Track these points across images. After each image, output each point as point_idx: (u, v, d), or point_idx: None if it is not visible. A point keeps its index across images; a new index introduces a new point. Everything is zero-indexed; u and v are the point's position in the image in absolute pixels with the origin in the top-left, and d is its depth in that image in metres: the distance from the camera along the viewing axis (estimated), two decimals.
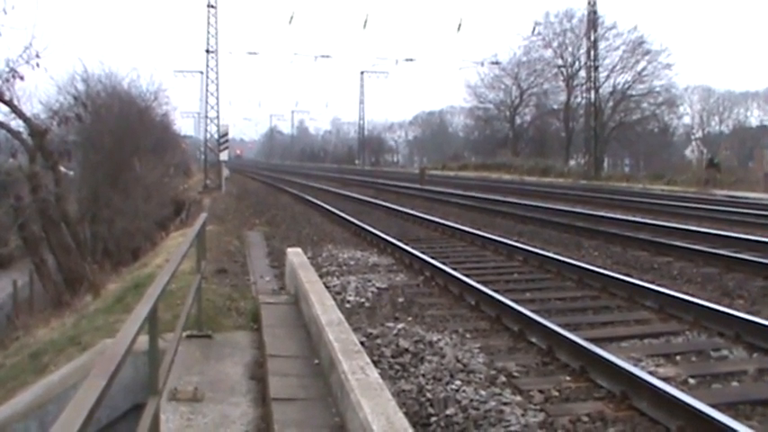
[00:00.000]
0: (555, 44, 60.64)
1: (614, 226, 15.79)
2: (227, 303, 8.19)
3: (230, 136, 44.73)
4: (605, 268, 10.29)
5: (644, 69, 55.28)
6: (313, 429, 4.29)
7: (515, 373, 5.97)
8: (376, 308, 8.61)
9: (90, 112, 27.98)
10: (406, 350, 6.58)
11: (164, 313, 5.96)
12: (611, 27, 54.77)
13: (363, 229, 15.79)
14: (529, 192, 31.09)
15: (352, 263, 11.96)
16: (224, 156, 39.74)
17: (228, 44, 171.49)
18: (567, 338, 6.28)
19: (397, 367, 6.16)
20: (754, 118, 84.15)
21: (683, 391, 5.03)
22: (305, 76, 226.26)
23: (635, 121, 57.21)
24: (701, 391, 5.40)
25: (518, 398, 5.36)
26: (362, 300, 9.06)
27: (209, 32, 44.67)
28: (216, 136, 43.20)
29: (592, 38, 47.27)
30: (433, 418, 5.03)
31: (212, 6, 44.44)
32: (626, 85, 56.04)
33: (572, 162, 58.20)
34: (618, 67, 55.56)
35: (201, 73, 53.18)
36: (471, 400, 5.26)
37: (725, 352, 6.48)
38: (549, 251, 12.09)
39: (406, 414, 3.95)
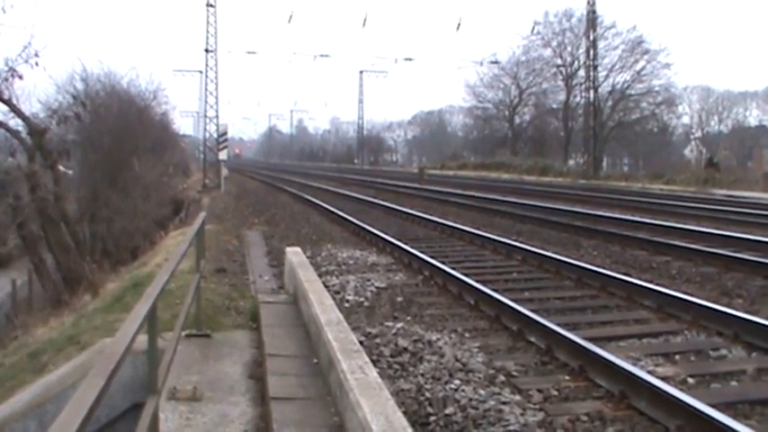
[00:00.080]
0: (554, 43, 60.72)
1: (613, 225, 15.80)
2: (226, 303, 8.19)
3: (229, 135, 44.77)
4: (604, 267, 10.29)
5: (643, 69, 55.31)
6: (312, 429, 4.29)
7: (514, 373, 5.97)
8: (375, 307, 8.61)
9: (89, 111, 27.98)
10: (405, 349, 6.58)
11: (163, 312, 5.96)
12: (610, 26, 54.85)
13: (362, 228, 15.79)
14: (528, 191, 31.10)
15: (351, 262, 11.96)
16: (223, 155, 39.78)
17: (227, 43, 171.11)
18: (566, 338, 6.29)
19: (396, 366, 6.16)
20: (753, 118, 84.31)
21: (681, 390, 5.03)
22: (304, 76, 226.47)
23: (634, 120, 57.20)
24: (699, 390, 5.40)
25: (517, 397, 5.36)
26: (361, 299, 9.06)
27: (208, 32, 44.75)
28: (215, 135, 43.23)
29: (591, 37, 47.31)
30: (432, 418, 5.03)
31: (211, 5, 44.49)
32: (625, 85, 56.08)
33: (571, 161, 58.23)
34: (617, 67, 55.63)
35: (201, 72, 53.29)
36: (470, 400, 5.27)
37: (724, 351, 6.48)
38: (547, 250, 12.09)
39: (404, 413, 3.95)
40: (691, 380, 5.71)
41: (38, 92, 31.57)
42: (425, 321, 7.77)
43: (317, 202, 23.84)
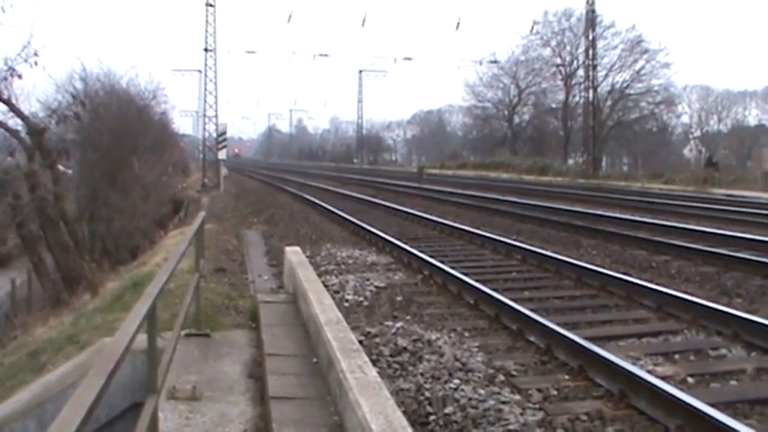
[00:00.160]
0: (553, 43, 60.67)
1: (613, 225, 15.80)
2: (225, 302, 8.18)
3: (229, 135, 44.71)
4: (604, 267, 10.30)
5: (642, 68, 55.28)
6: (311, 428, 4.29)
7: (514, 372, 5.97)
8: (374, 307, 8.61)
9: (88, 110, 27.98)
10: (405, 349, 6.58)
11: (162, 312, 5.95)
12: (609, 26, 54.82)
13: (362, 227, 15.79)
14: (527, 191, 31.11)
15: (350, 262, 11.96)
16: (222, 154, 39.73)
17: (227, 43, 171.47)
18: (566, 337, 6.29)
19: (395, 366, 6.16)
20: (753, 117, 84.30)
21: (681, 389, 5.03)
22: (303, 75, 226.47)
23: (633, 120, 57.17)
24: (699, 389, 5.40)
25: (517, 397, 5.36)
26: (361, 298, 9.06)
27: (207, 31, 44.68)
28: (214, 135, 43.20)
29: (590, 37, 47.29)
30: (432, 417, 5.03)
31: (211, 5, 44.41)
32: (624, 84, 56.04)
33: (570, 161, 58.21)
34: (616, 66, 55.58)
35: (200, 72, 53.25)
36: (470, 399, 5.26)
37: (723, 351, 6.49)
38: (547, 250, 12.10)
39: (404, 413, 3.95)
40: (690, 379, 5.71)
41: (37, 91, 31.50)
42: (425, 321, 7.77)
43: (317, 201, 23.84)
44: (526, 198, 25.09)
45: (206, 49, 44.86)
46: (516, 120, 68.96)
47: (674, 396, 4.78)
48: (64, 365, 6.59)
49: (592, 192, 29.35)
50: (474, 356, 6.36)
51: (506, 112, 68.88)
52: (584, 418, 4.95)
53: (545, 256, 11.32)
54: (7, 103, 22.58)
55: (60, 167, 25.99)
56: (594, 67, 47.59)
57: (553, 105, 64.39)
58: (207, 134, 46.62)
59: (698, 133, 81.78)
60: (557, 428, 4.79)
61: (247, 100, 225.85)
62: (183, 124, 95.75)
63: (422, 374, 5.88)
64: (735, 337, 6.77)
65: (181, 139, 64.61)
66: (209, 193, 33.45)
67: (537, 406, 5.18)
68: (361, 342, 5.75)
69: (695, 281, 9.89)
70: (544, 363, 6.27)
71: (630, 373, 5.28)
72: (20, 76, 21.77)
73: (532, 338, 6.84)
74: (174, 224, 23.33)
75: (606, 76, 54.65)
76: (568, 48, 59.67)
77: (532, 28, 59.89)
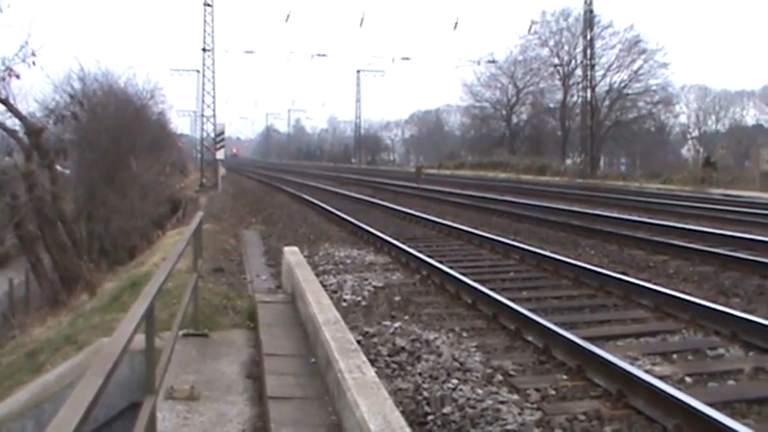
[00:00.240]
0: (551, 43, 60.76)
1: (611, 225, 15.81)
2: (223, 302, 8.18)
3: (227, 135, 44.78)
4: (602, 267, 10.30)
5: (640, 68, 55.39)
6: (310, 428, 4.29)
7: (512, 372, 5.97)
8: (372, 306, 8.61)
9: (86, 110, 27.96)
10: (403, 349, 6.58)
11: (160, 312, 5.95)
12: (607, 26, 54.90)
13: (360, 227, 15.78)
14: (525, 190, 31.11)
15: (348, 261, 11.95)
16: (220, 154, 39.71)
17: (225, 43, 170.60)
18: (564, 337, 6.29)
19: (393, 366, 6.16)
20: (750, 117, 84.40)
21: (679, 389, 5.03)
22: (301, 75, 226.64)
23: (631, 119, 57.27)
24: (697, 389, 5.41)
25: (515, 396, 5.36)
26: (359, 298, 9.06)
27: (205, 31, 44.66)
28: (212, 134, 43.20)
29: (588, 36, 47.35)
30: (430, 417, 5.03)
31: (208, 5, 44.40)
32: (622, 84, 56.13)
33: (568, 161, 58.23)
34: (614, 66, 55.66)
35: (198, 71, 53.23)
36: (468, 399, 5.26)
37: (721, 350, 6.49)
38: (545, 250, 12.10)
39: (402, 413, 3.95)
40: (688, 379, 5.71)
41: (35, 91, 31.50)
42: (423, 321, 7.77)
43: (315, 201, 23.83)
44: (524, 198, 25.10)
45: (204, 49, 44.87)
46: (514, 119, 69.03)
47: (671, 396, 4.79)
48: (62, 365, 6.58)
49: (590, 191, 29.37)
50: (472, 356, 6.36)
51: (504, 112, 68.94)
52: (582, 417, 4.95)
53: (543, 255, 11.32)
54: (5, 102, 22.58)
55: (58, 167, 25.97)
56: (592, 66, 47.62)
57: (551, 105, 64.49)
58: (205, 134, 46.65)
59: (696, 133, 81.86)
60: (555, 428, 4.79)
61: (245, 100, 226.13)
62: (180, 124, 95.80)
63: (420, 374, 5.88)
64: (733, 336, 6.77)
65: (179, 138, 64.66)
66: (207, 193, 33.44)
67: (535, 406, 5.18)
68: (359, 342, 5.75)
69: (693, 280, 9.90)
70: (542, 362, 6.27)
71: (628, 372, 5.29)
72: (18, 76, 21.81)
73: (530, 338, 6.84)
74: (172, 224, 23.32)
75: (604, 75, 54.78)
76: (566, 48, 59.83)
77: (530, 28, 60.01)
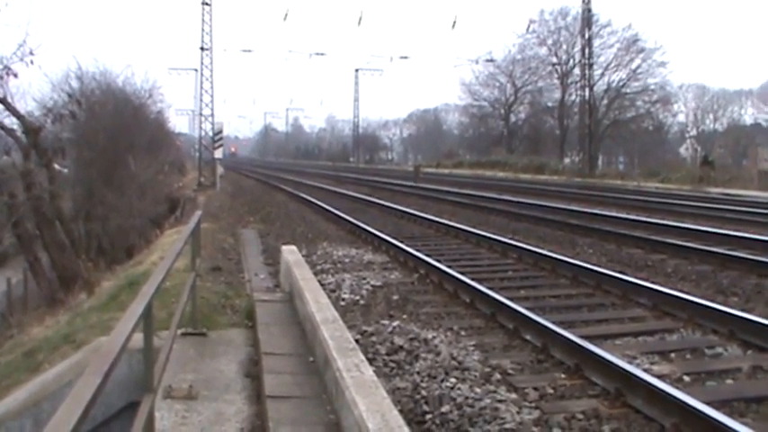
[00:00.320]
0: (550, 42, 60.73)
1: (609, 223, 15.82)
2: (221, 301, 8.18)
3: (225, 133, 44.70)
4: (600, 266, 10.31)
5: (638, 67, 55.39)
6: (308, 427, 4.29)
7: (510, 371, 5.97)
8: (371, 305, 8.61)
9: (84, 109, 27.92)
10: (401, 348, 6.58)
11: (158, 311, 5.95)
12: (605, 25, 54.89)
13: (358, 226, 15.78)
14: (523, 189, 31.13)
15: (346, 260, 11.95)
16: (218, 153, 39.66)
17: (223, 41, 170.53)
18: (562, 336, 6.29)
19: (391, 365, 6.16)
20: (748, 116, 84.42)
21: (677, 388, 5.04)
22: (299, 74, 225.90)
23: (629, 118, 57.27)
24: (695, 388, 5.42)
25: (513, 395, 5.36)
26: (357, 297, 9.06)
27: (203, 30, 44.57)
28: (210, 133, 43.17)
29: (586, 36, 47.34)
30: (429, 416, 5.03)
31: (207, 4, 44.32)
32: (620, 83, 56.12)
33: (566, 160, 58.23)
34: (612, 65, 55.64)
35: (196, 70, 53.23)
36: (466, 398, 5.27)
37: (719, 349, 6.50)
38: (543, 249, 12.10)
39: (400, 412, 3.95)
40: (686, 378, 5.72)
41: (33, 90, 31.61)
42: (421, 320, 7.77)
43: (313, 200, 23.82)
44: (522, 197, 25.10)
45: (202, 48, 44.79)
46: (512, 118, 69.02)
47: (669, 394, 4.79)
48: (60, 364, 6.57)
49: (588, 190, 29.36)
50: (470, 355, 6.36)
51: (502, 111, 68.93)
52: (581, 416, 4.96)
53: (541, 254, 11.33)
54: (3, 101, 22.55)
55: (56, 166, 25.96)
56: (591, 65, 47.64)
57: (549, 104, 64.48)
58: (203, 133, 46.57)
59: (694, 132, 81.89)
60: (553, 427, 4.80)
61: (244, 99, 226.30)
62: (179, 123, 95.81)
63: (418, 373, 5.88)
64: (731, 335, 6.78)
65: (177, 137, 64.56)
66: (205, 192, 33.41)
67: (533, 405, 5.19)
68: (357, 341, 5.76)
69: (691, 279, 9.91)
70: (540, 361, 6.27)
71: (626, 371, 5.29)
72: (15, 75, 21.78)
73: (529, 337, 6.84)
74: (170, 223, 23.31)
75: (602, 74, 54.76)
76: (564, 46, 59.82)
77: (529, 27, 60.01)
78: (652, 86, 55.95)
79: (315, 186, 34.56)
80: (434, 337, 6.91)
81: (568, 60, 59.46)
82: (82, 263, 18.67)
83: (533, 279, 10.14)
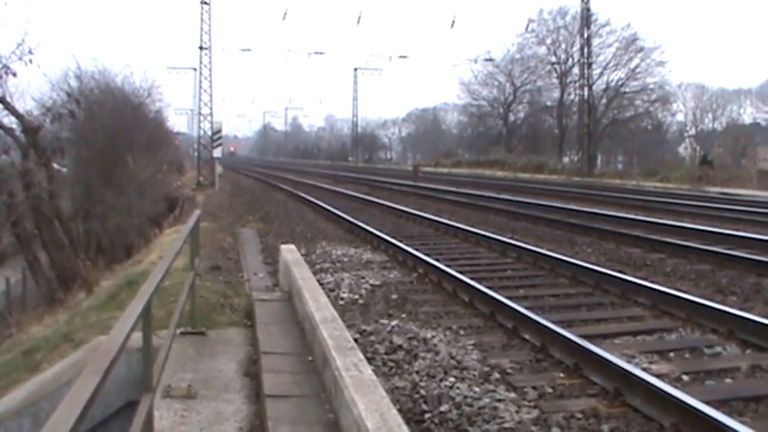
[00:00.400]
0: (548, 41, 60.79)
1: (608, 223, 15.83)
2: (220, 300, 8.17)
3: (224, 133, 44.65)
4: (599, 265, 10.31)
5: (637, 66, 55.46)
6: (307, 426, 4.29)
7: (509, 370, 5.97)
8: (369, 305, 8.61)
9: (83, 108, 27.90)
10: (400, 347, 6.58)
11: (157, 310, 5.95)
12: (604, 24, 54.96)
13: (357, 225, 15.78)
14: (522, 189, 31.14)
15: (345, 260, 11.95)
16: (217, 152, 39.65)
17: (222, 41, 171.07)
18: (561, 335, 6.30)
19: (390, 364, 6.16)
20: (747, 115, 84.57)
21: (676, 387, 5.04)
22: (298, 73, 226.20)
23: (628, 118, 57.32)
24: (694, 387, 5.42)
25: (512, 394, 5.37)
26: (356, 297, 9.06)
27: (202, 29, 44.55)
28: (209, 133, 43.14)
29: (585, 35, 47.36)
30: (427, 415, 5.03)
31: (206, 3, 44.29)
32: (619, 83, 56.19)
33: (565, 159, 58.30)
34: (611, 65, 55.71)
35: (195, 70, 53.11)
36: (465, 397, 5.27)
37: (718, 349, 6.51)
38: (542, 248, 12.10)
39: (399, 411, 3.95)
40: (685, 377, 5.72)
41: (32, 89, 31.50)
42: (420, 319, 7.77)
43: (312, 199, 23.82)
44: (521, 196, 25.11)
45: (201, 47, 44.76)
46: (511, 118, 69.04)
47: (668, 394, 4.80)
48: (59, 364, 6.57)
49: (587, 190, 29.37)
50: (469, 354, 6.36)
51: (501, 110, 68.95)
52: (580, 415, 4.96)
53: (540, 254, 11.33)
54: (2, 100, 22.52)
55: (55, 165, 25.93)
56: (590, 65, 47.66)
57: (548, 103, 64.53)
58: (202, 132, 46.54)
59: (693, 131, 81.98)
60: (552, 426, 4.80)
61: (242, 98, 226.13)
62: (177, 122, 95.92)
63: (417, 372, 5.88)
64: (729, 334, 6.79)
65: (176, 137, 64.59)
66: (204, 191, 33.40)
67: (532, 404, 5.19)
68: (356, 340, 5.75)
69: (690, 279, 9.92)
70: (539, 361, 6.27)
71: (625, 370, 5.30)
72: (14, 74, 21.75)
73: (527, 336, 6.84)
74: (169, 222, 23.30)
75: (601, 74, 54.81)
76: (563, 46, 59.87)
77: (527, 26, 60.21)
78: (651, 86, 56.08)
79: (314, 185, 34.55)
80: (433, 337, 6.91)
81: (567, 60, 59.57)
82: (81, 262, 18.68)
83: (532, 278, 10.14)
